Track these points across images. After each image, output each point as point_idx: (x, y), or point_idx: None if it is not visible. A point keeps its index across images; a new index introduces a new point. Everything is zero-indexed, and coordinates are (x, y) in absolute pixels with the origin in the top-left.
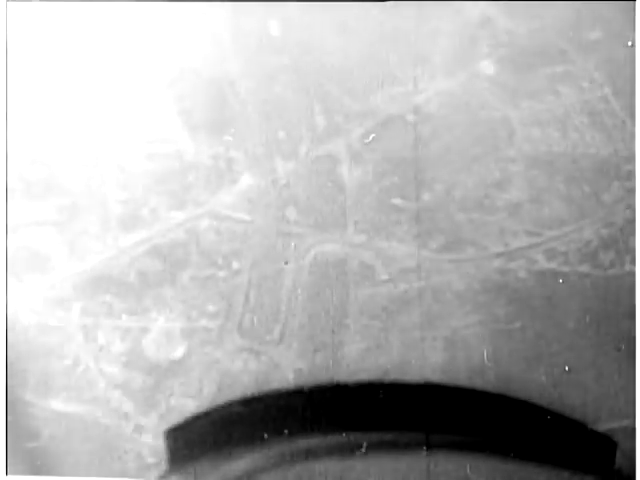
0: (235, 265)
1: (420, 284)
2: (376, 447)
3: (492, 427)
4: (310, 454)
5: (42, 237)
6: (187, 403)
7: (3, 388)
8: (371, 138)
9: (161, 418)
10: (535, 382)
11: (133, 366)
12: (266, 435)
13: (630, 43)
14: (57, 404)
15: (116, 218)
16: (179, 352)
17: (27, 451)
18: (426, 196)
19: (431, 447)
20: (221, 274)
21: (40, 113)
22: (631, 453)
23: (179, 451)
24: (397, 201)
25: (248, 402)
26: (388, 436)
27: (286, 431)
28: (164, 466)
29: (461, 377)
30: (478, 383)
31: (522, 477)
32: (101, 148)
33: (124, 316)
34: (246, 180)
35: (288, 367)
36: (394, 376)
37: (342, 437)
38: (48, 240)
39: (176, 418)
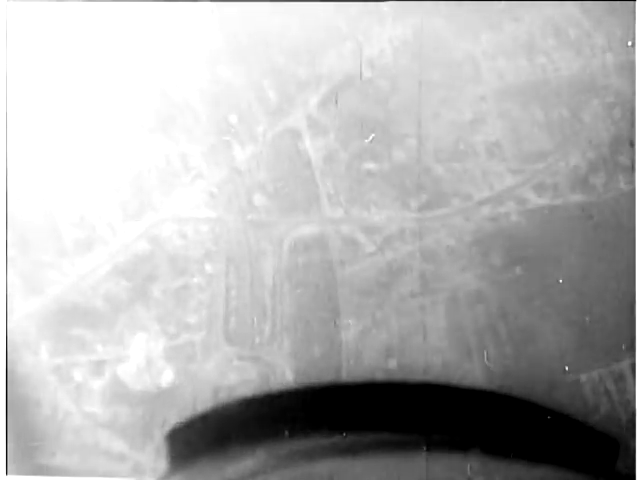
0: (208, 268)
1: (408, 248)
2: (376, 447)
3: (492, 427)
4: (310, 454)
5: None
6: None
7: (3, 388)
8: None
9: (159, 451)
10: (548, 328)
11: (117, 400)
12: (266, 436)
13: (630, 43)
14: (42, 459)
15: (70, 242)
16: (165, 375)
17: None
18: (398, 154)
19: (431, 447)
20: (195, 281)
21: None
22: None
23: (179, 452)
24: (369, 165)
25: (248, 403)
26: (388, 436)
27: (286, 432)
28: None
29: (471, 340)
30: (489, 339)
31: (523, 477)
32: (42, 169)
33: (98, 347)
34: (204, 174)
35: (286, 367)
36: (399, 352)
37: (342, 437)
38: None
39: None
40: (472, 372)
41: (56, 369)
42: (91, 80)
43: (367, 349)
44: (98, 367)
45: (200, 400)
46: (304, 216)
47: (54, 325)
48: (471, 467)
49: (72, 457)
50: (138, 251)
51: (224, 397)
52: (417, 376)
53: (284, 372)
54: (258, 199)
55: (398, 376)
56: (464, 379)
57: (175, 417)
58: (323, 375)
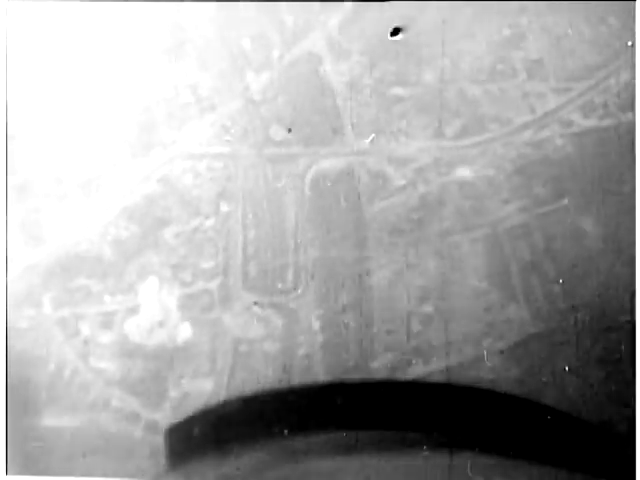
0: (224, 208)
1: (443, 181)
2: (376, 446)
3: (492, 426)
4: (309, 453)
5: None
6: (202, 384)
7: (3, 387)
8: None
9: (175, 408)
10: (601, 264)
11: (129, 354)
12: (265, 434)
13: (630, 43)
14: (49, 420)
15: (73, 182)
16: (179, 326)
17: None
18: (428, 76)
19: (431, 446)
20: (209, 222)
21: None
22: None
23: (178, 450)
24: (396, 90)
25: (247, 401)
26: (388, 435)
27: (286, 430)
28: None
29: (514, 281)
30: (534, 279)
31: (522, 476)
32: (41, 105)
33: (106, 298)
34: (216, 106)
35: (311, 315)
36: (435, 296)
37: (342, 436)
38: None
39: (193, 405)
40: (518, 313)
41: (61, 322)
42: (91, 6)
43: (400, 293)
44: (107, 319)
45: (219, 354)
46: (327, 147)
47: (58, 276)
48: (471, 466)
49: (81, 417)
50: (147, 192)
51: (245, 350)
52: (456, 321)
53: (309, 321)
54: (275, 131)
55: (436, 322)
56: (509, 322)
57: (192, 372)
58: (352, 322)
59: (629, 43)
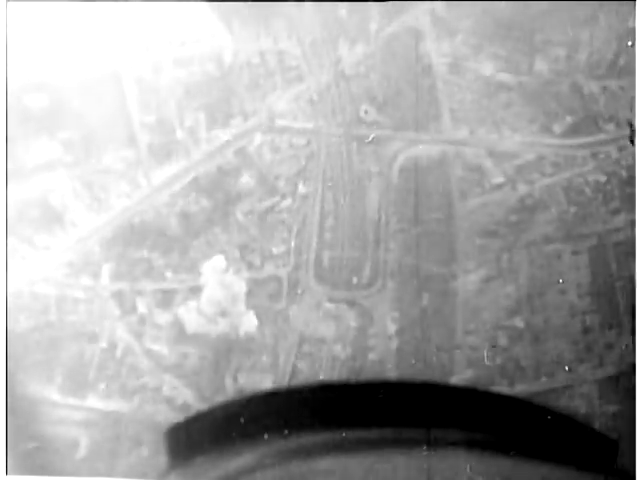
0: (302, 189)
1: (547, 182)
2: (376, 446)
3: (493, 426)
4: (309, 453)
5: (51, 184)
6: (261, 380)
7: (3, 387)
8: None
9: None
10: None
11: (186, 339)
12: (266, 434)
13: (630, 43)
14: (94, 401)
15: (144, 147)
16: (243, 314)
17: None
18: (540, 65)
19: (432, 446)
20: (285, 203)
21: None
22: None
23: (179, 449)
24: (503, 76)
25: (248, 401)
26: (388, 434)
27: (286, 430)
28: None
29: (618, 300)
30: None
31: (523, 476)
32: (115, 57)
33: (168, 274)
34: (304, 77)
35: (387, 317)
36: (527, 310)
37: (341, 436)
38: (59, 187)
39: None
40: (621, 338)
41: (118, 296)
42: None
43: (488, 302)
44: (166, 298)
45: (282, 347)
46: (420, 133)
47: (119, 246)
48: (471, 466)
49: (130, 401)
50: (222, 164)
51: (311, 350)
52: (549, 341)
53: (385, 323)
54: (366, 109)
55: (526, 339)
56: (609, 347)
57: (250, 364)
58: (432, 330)
59: (629, 43)
